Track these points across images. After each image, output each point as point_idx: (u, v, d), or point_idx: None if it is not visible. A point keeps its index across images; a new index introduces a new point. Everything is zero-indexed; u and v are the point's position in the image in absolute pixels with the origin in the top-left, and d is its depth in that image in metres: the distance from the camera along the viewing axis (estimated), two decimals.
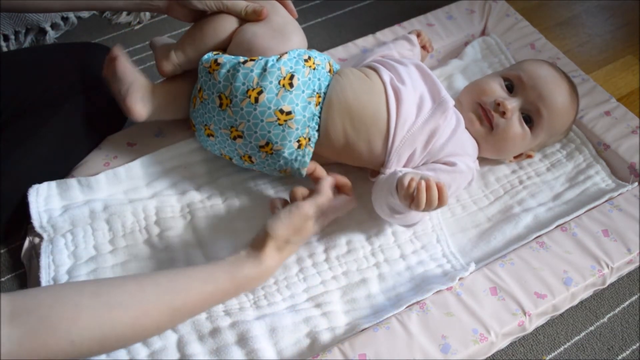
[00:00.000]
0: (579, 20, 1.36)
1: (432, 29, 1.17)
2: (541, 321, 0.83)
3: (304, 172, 0.87)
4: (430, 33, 1.15)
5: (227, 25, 0.88)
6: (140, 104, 0.88)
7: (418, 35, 1.06)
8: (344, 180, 0.83)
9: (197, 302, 0.67)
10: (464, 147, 0.89)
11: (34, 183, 0.88)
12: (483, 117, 0.92)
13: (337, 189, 0.83)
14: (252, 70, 0.82)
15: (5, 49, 1.19)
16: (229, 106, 0.83)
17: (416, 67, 0.91)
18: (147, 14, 1.28)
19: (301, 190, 0.81)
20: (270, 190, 0.94)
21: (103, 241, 0.86)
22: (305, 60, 0.85)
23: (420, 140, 0.86)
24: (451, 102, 0.86)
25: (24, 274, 0.88)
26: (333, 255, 0.87)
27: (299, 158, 0.86)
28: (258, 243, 0.73)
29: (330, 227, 0.89)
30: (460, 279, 0.82)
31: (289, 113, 0.82)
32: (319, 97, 0.85)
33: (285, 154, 0.85)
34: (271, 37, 0.86)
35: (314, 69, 0.85)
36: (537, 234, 0.88)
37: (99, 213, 0.88)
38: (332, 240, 0.88)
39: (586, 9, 1.38)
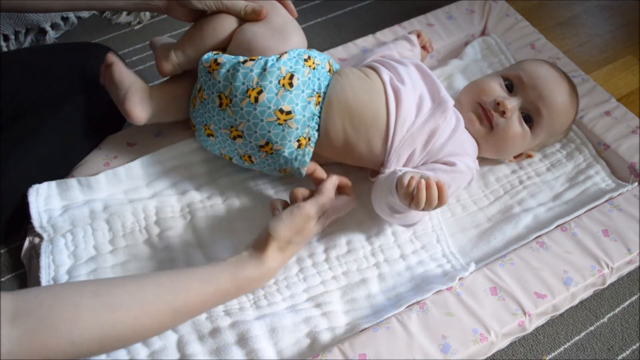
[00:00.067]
0: (579, 20, 1.36)
1: (432, 29, 1.17)
2: (541, 321, 0.83)
3: (304, 171, 0.87)
4: (430, 33, 1.15)
5: (226, 25, 0.88)
6: (139, 107, 0.88)
7: (418, 36, 1.06)
8: (344, 180, 0.84)
9: (199, 302, 0.67)
10: (463, 147, 0.89)
11: (34, 183, 0.88)
12: (483, 116, 0.92)
13: (338, 189, 0.83)
14: (251, 70, 0.82)
15: (5, 49, 1.19)
16: (229, 106, 0.83)
17: (416, 67, 0.91)
18: (147, 13, 1.28)
19: (301, 191, 0.81)
20: (270, 190, 0.94)
21: (103, 241, 0.86)
22: (305, 60, 0.85)
23: (419, 140, 0.86)
24: (451, 102, 0.86)
25: (24, 274, 0.88)
26: (333, 255, 0.87)
27: (299, 158, 0.86)
28: (260, 244, 0.73)
29: (330, 227, 0.89)
30: (460, 279, 0.82)
31: (288, 113, 0.82)
32: (319, 96, 0.85)
33: (285, 154, 0.85)
34: (271, 36, 0.86)
35: (314, 68, 0.85)
36: (537, 234, 0.88)
37: (99, 213, 0.88)
38: (332, 240, 0.88)
39: (586, 9, 1.38)
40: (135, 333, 0.61)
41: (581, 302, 0.89)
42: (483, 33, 1.20)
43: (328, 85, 0.87)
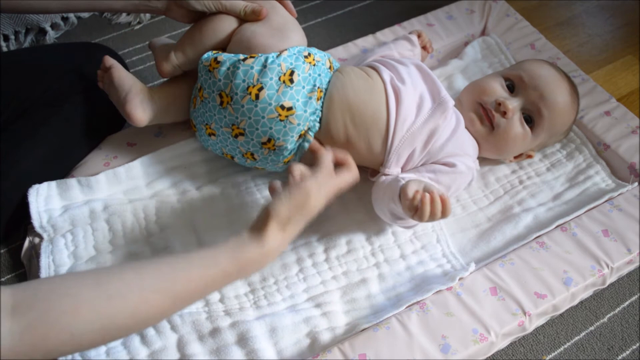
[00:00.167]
0: (579, 20, 1.36)
1: (432, 29, 1.17)
2: (541, 321, 0.83)
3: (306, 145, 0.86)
4: (430, 33, 1.15)
5: (226, 25, 0.88)
6: (140, 109, 0.88)
7: (419, 36, 1.06)
8: (342, 154, 0.80)
9: (199, 286, 0.65)
10: (463, 147, 0.89)
11: (34, 183, 0.88)
12: (484, 116, 0.92)
13: (338, 164, 0.80)
14: (252, 67, 0.82)
15: (5, 49, 1.19)
16: (230, 104, 0.84)
17: (416, 67, 0.91)
18: (147, 14, 1.28)
19: (299, 167, 0.77)
20: None
21: (103, 241, 0.86)
22: (305, 57, 0.85)
23: (419, 140, 0.86)
24: (451, 102, 0.86)
25: (24, 274, 0.88)
26: (333, 255, 0.87)
27: (300, 148, 0.85)
28: (260, 224, 0.70)
29: (330, 227, 0.89)
30: (460, 279, 0.82)
31: (289, 109, 0.82)
32: (320, 91, 0.85)
33: (289, 149, 0.85)
34: (271, 35, 0.86)
35: (314, 65, 0.85)
36: (537, 234, 0.88)
37: (99, 213, 0.88)
38: (332, 240, 0.88)
39: (586, 9, 1.38)
40: (136, 322, 0.60)
41: (581, 302, 0.89)
42: (483, 33, 1.20)
43: (329, 82, 0.87)
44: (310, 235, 0.89)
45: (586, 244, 0.87)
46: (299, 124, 0.83)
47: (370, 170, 0.92)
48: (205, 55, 0.87)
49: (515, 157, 0.98)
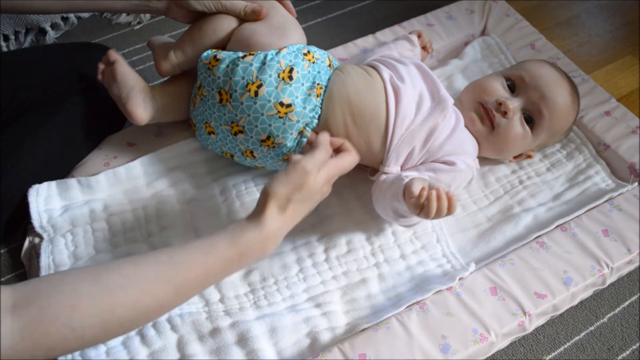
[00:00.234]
0: (579, 20, 1.36)
1: (432, 29, 1.17)
2: (541, 321, 0.83)
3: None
4: (430, 33, 1.15)
5: (226, 25, 0.88)
6: (141, 108, 0.88)
7: (419, 36, 1.06)
8: (339, 140, 0.78)
9: (200, 275, 0.64)
10: (463, 145, 0.89)
11: (34, 183, 0.88)
12: (484, 116, 0.92)
13: (337, 150, 0.79)
14: (251, 64, 0.82)
15: (5, 49, 1.19)
16: (229, 101, 0.84)
17: (416, 66, 0.91)
18: (147, 14, 1.28)
19: (297, 155, 0.75)
20: None
21: (103, 241, 0.86)
22: (305, 54, 0.85)
23: (419, 138, 0.86)
24: (450, 101, 0.86)
25: (24, 274, 0.88)
26: (333, 255, 0.87)
27: (300, 145, 0.86)
28: (258, 207, 0.69)
29: (330, 227, 0.89)
30: (460, 279, 0.82)
31: (288, 105, 0.82)
32: (320, 88, 0.85)
33: (288, 146, 0.85)
34: (270, 33, 0.86)
35: (314, 62, 0.85)
36: (537, 234, 0.88)
37: (99, 213, 0.88)
38: (332, 240, 0.88)
39: (586, 9, 1.38)
40: (137, 314, 0.59)
41: (581, 302, 0.89)
42: (483, 33, 1.20)
43: (329, 79, 0.87)
44: (310, 235, 0.89)
45: (586, 244, 0.87)
46: (298, 121, 0.83)
47: (370, 170, 0.92)
48: (205, 54, 0.87)
49: (515, 157, 0.98)
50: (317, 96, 0.84)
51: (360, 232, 0.90)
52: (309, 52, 0.85)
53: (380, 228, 0.90)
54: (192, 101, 0.91)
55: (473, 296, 0.81)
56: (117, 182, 0.92)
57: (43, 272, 0.82)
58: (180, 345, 0.76)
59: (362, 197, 0.91)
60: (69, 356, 0.73)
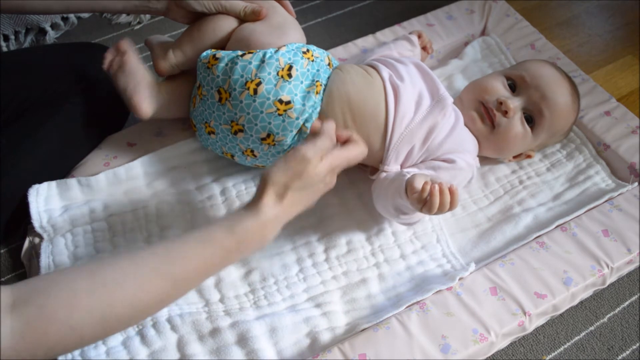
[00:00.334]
0: (579, 20, 1.36)
1: (432, 29, 1.17)
2: (541, 321, 0.83)
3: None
4: (430, 33, 1.15)
5: (225, 25, 0.88)
6: (147, 102, 0.88)
7: (419, 36, 1.06)
8: (346, 132, 0.75)
9: (199, 266, 0.63)
10: (462, 144, 0.89)
11: (34, 183, 0.88)
12: (485, 115, 0.92)
13: (343, 142, 0.76)
14: (250, 63, 0.82)
15: (5, 49, 1.19)
16: (228, 100, 0.84)
17: (415, 65, 0.91)
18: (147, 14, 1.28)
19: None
20: None
21: (103, 241, 0.86)
22: (304, 52, 0.85)
23: (418, 136, 0.86)
24: (449, 99, 0.86)
25: (24, 274, 0.88)
26: (333, 255, 0.87)
27: (301, 140, 0.86)
28: (257, 194, 0.68)
29: (330, 227, 0.89)
30: (460, 279, 0.82)
31: (288, 103, 0.82)
32: (320, 85, 0.85)
33: (288, 144, 0.85)
34: (269, 33, 0.86)
35: (313, 60, 0.85)
36: (537, 234, 0.88)
37: (99, 213, 0.88)
38: (332, 240, 0.88)
39: (586, 9, 1.38)
40: (135, 310, 0.59)
41: (581, 302, 0.89)
42: (483, 33, 1.20)
43: (328, 78, 0.87)
44: (310, 235, 0.89)
45: (586, 244, 0.87)
46: (297, 118, 0.83)
47: (370, 169, 0.92)
48: (204, 53, 0.87)
49: (515, 157, 0.98)
50: (317, 93, 0.84)
51: (361, 232, 0.90)
52: (308, 50, 0.86)
53: (380, 228, 0.90)
54: (191, 102, 0.91)
55: (473, 296, 0.81)
56: (117, 182, 0.92)
57: (43, 272, 0.82)
58: (180, 345, 0.76)
59: (362, 196, 0.91)
60: (69, 356, 0.73)
